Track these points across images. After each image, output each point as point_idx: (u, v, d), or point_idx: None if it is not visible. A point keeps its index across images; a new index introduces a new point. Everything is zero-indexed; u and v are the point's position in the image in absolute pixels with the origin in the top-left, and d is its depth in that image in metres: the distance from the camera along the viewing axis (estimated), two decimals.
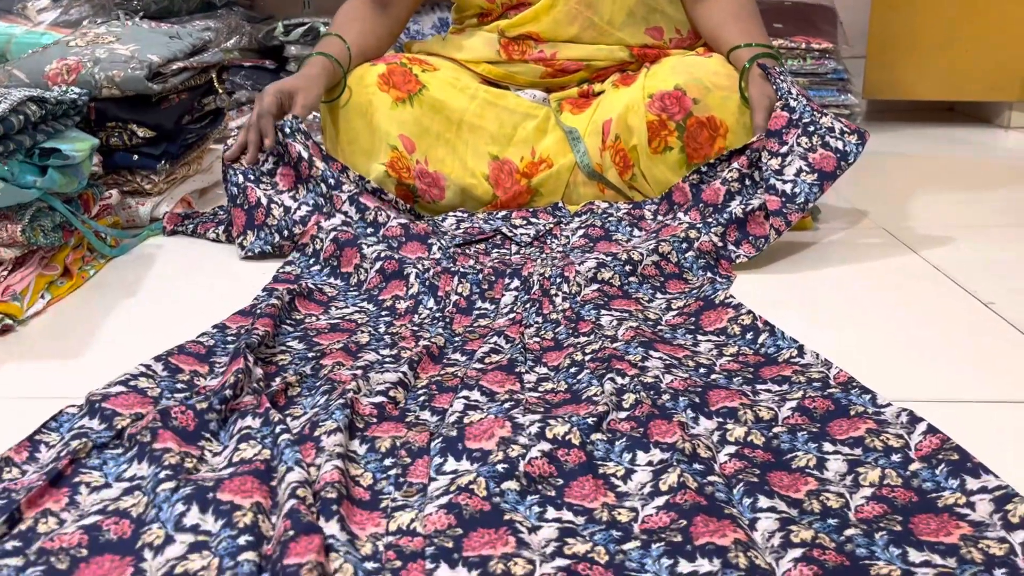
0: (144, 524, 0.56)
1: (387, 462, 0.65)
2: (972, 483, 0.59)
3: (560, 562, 0.53)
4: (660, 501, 0.58)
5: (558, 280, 1.00)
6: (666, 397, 0.72)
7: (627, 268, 1.03)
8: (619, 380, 0.75)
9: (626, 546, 0.55)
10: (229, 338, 0.88)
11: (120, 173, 1.34)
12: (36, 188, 1.01)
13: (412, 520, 0.57)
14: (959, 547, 0.53)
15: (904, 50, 2.15)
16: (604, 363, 0.78)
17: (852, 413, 0.69)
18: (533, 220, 1.27)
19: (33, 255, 1.04)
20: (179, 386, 0.76)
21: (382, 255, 1.07)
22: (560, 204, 1.32)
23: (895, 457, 0.63)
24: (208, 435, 0.67)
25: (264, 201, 1.19)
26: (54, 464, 0.62)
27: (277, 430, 0.66)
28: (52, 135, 1.08)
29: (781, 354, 0.81)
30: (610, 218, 1.21)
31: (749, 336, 0.87)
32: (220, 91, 1.51)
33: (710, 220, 1.12)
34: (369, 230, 1.16)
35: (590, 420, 0.68)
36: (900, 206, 1.40)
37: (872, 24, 2.12)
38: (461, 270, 1.04)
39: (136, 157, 1.32)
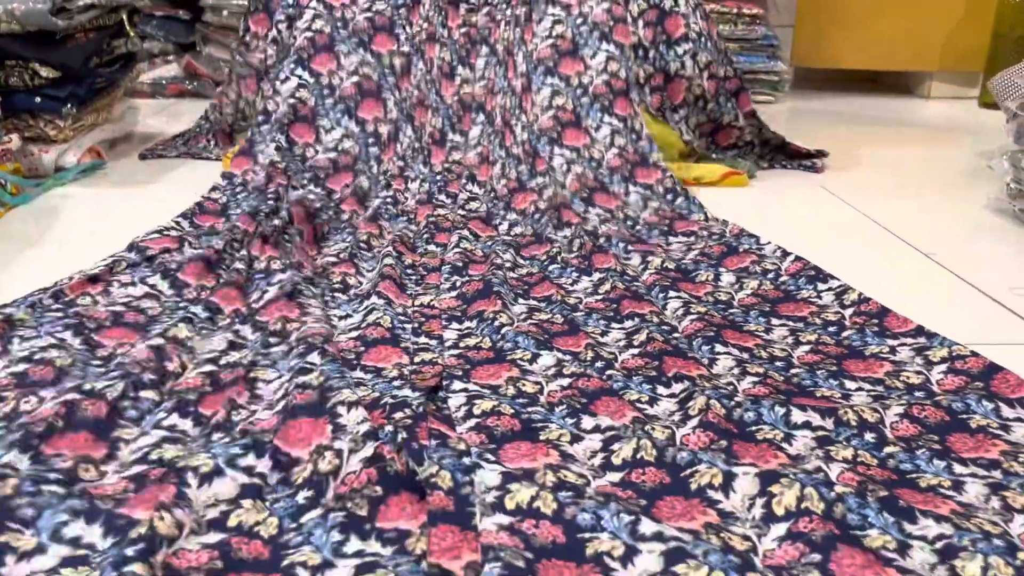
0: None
1: (409, 271, 0.89)
2: (892, 342, 0.71)
3: (562, 381, 0.64)
4: (635, 351, 0.70)
5: (517, 111, 1.18)
6: (602, 241, 0.97)
7: (578, 91, 1.18)
8: (567, 231, 1.00)
9: (610, 372, 0.67)
10: (238, 190, 1.09)
11: (21, 117, 1.23)
12: None
13: (431, 300, 0.82)
14: (884, 380, 0.65)
15: (831, 20, 2.17)
16: (556, 212, 1.04)
17: (741, 250, 0.92)
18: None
19: None
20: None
21: (359, 71, 1.21)
22: None
23: (831, 328, 0.75)
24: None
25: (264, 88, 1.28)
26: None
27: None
28: None
29: (692, 215, 1.07)
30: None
31: (669, 196, 1.11)
32: (131, 34, 1.40)
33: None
34: (343, 33, 1.24)
35: (570, 301, 0.82)
36: (833, 166, 1.40)
37: None
38: (440, 39, 1.23)
39: (39, 99, 1.21)
